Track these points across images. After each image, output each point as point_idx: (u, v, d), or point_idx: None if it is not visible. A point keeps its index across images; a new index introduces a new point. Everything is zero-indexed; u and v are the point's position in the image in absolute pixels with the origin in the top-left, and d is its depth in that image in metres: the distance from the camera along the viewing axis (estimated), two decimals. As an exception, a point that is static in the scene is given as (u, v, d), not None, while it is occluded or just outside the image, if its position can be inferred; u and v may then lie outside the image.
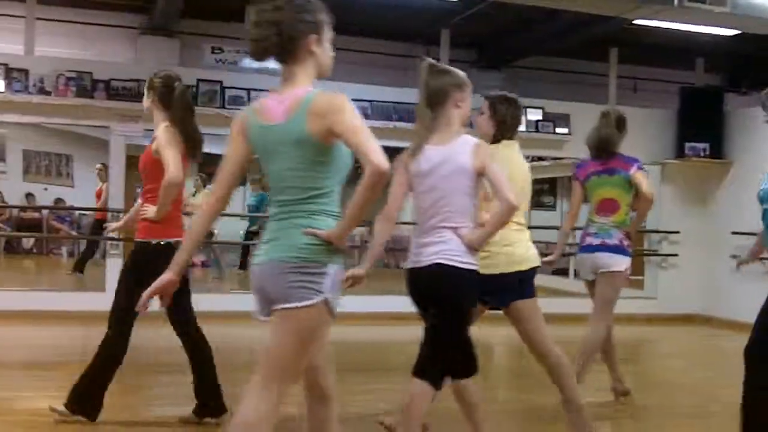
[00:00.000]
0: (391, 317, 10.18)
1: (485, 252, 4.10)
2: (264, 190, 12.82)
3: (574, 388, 4.66)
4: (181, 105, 4.82)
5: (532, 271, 4.51)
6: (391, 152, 12.23)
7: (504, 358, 9.14)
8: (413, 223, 3.96)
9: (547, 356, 4.57)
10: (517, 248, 4.47)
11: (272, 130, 2.88)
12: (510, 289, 4.47)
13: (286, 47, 2.91)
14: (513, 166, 4.48)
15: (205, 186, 13.08)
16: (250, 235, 13.43)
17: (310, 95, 2.84)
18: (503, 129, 4.62)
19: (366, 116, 10.50)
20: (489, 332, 10.40)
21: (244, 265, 13.58)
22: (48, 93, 9.47)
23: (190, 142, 4.80)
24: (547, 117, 11.38)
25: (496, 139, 4.59)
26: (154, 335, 8.05)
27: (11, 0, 10.78)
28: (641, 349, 9.93)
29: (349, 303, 10.51)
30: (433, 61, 4.01)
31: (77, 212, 16.54)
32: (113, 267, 9.52)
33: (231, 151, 3.00)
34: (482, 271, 3.94)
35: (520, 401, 6.45)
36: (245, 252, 13.88)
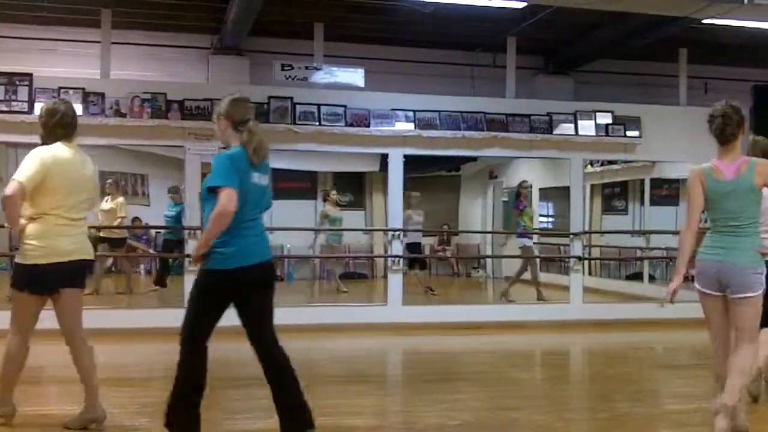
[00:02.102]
0: (460, 327, 10.24)
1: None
2: (182, 201, 12.43)
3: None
4: None
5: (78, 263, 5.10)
6: (462, 161, 12.20)
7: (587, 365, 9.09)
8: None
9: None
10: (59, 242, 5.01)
11: (725, 183, 4.83)
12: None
13: (737, 134, 4.89)
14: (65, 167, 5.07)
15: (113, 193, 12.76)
16: (169, 243, 13.38)
17: (753, 162, 4.88)
18: (46, 132, 5.16)
19: (434, 127, 10.55)
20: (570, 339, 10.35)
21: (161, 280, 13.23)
22: (123, 115, 9.73)
23: None
24: (617, 120, 11.26)
25: (45, 142, 5.13)
26: (228, 349, 8.24)
27: (87, 27, 11.11)
28: None
29: (417, 314, 10.49)
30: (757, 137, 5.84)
31: (153, 231, 16.90)
32: (190, 283, 9.74)
33: (695, 193, 4.90)
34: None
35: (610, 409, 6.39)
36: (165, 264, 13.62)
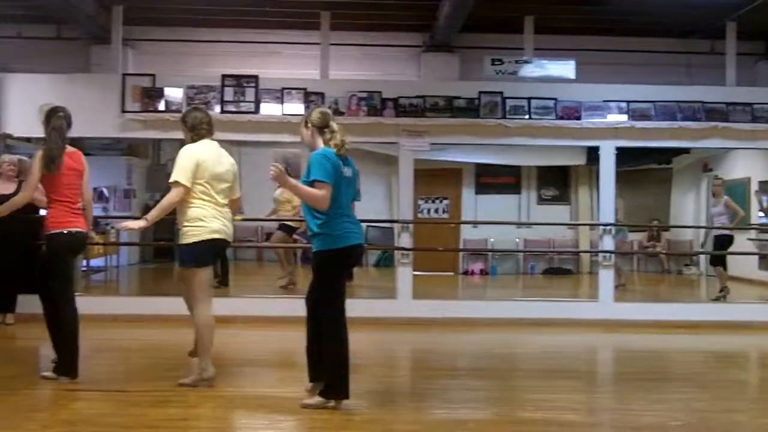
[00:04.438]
0: (674, 326, 9.92)
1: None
2: None
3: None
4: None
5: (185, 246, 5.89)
6: (674, 153, 11.78)
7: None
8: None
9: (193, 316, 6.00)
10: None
11: None
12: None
13: None
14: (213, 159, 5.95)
15: None
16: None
17: None
18: (194, 132, 6.02)
19: (649, 117, 10.26)
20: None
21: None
22: (341, 113, 10.09)
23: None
24: None
25: (194, 140, 5.99)
26: (441, 341, 8.43)
27: (307, 29, 11.65)
28: None
29: (630, 311, 10.28)
30: None
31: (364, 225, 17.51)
32: (404, 276, 10.08)
33: None
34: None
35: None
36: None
